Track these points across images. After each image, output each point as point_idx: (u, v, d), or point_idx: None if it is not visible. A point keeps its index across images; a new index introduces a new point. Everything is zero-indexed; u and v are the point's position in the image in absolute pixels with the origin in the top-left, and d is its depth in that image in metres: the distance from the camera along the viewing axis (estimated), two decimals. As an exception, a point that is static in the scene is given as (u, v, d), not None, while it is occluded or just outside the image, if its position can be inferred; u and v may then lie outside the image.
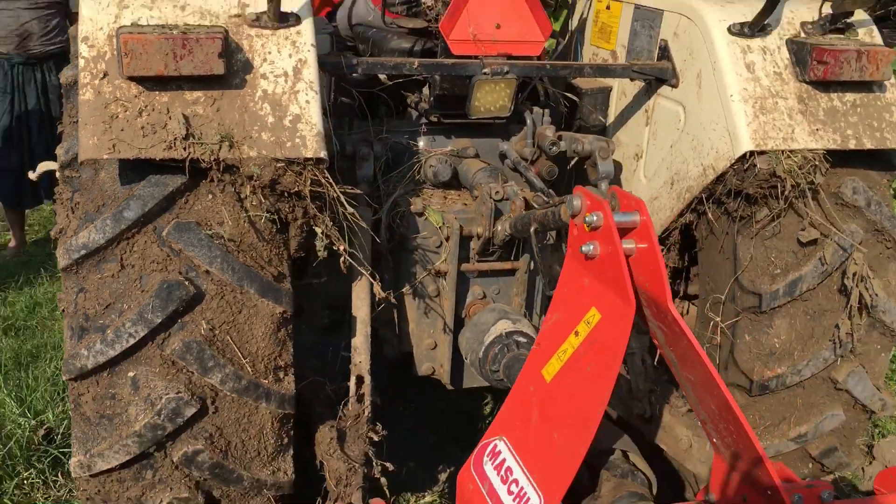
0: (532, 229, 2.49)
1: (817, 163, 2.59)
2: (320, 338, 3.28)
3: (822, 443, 2.88)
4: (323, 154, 2.24)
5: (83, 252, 2.18)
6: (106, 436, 2.25)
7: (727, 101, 2.62)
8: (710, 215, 2.78)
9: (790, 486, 2.26)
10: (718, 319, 2.81)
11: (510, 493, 1.91)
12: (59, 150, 2.29)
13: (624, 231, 1.99)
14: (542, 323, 2.19)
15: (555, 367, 1.99)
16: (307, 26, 2.32)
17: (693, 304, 3.33)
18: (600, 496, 2.19)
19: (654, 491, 2.30)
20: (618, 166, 3.25)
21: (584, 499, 2.22)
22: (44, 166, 3.21)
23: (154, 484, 2.32)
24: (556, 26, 3.93)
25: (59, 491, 3.35)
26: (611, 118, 3.31)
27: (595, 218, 1.97)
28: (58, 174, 2.34)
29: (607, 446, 2.33)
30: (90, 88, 2.15)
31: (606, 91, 3.28)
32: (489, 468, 2.04)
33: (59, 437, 3.60)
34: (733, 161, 2.60)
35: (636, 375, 2.92)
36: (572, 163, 3.25)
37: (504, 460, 2.00)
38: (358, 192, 2.48)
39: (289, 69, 2.27)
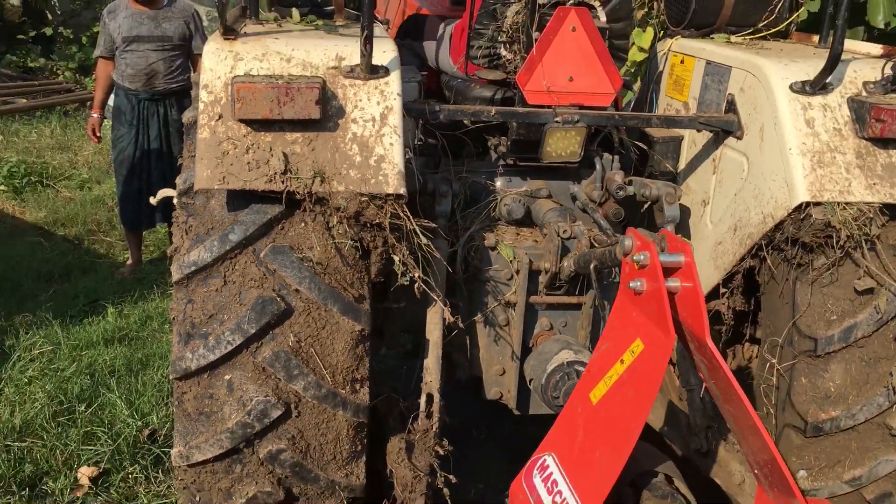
0: (591, 266, 2.69)
1: (872, 215, 2.70)
2: (399, 360, 3.54)
3: (877, 487, 2.93)
4: (402, 191, 2.51)
5: (193, 268, 2.51)
6: (203, 430, 2.55)
7: (786, 153, 2.77)
8: (769, 261, 2.91)
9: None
10: (775, 361, 2.93)
11: (554, 502, 2.10)
12: (178, 180, 2.65)
13: (670, 271, 2.19)
14: (593, 352, 2.38)
15: (601, 391, 2.18)
16: (395, 78, 2.61)
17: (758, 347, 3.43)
18: (640, 513, 2.36)
19: (693, 514, 2.45)
20: (686, 211, 3.41)
21: (626, 515, 2.39)
22: (163, 193, 3.61)
23: (242, 477, 2.60)
24: (636, 78, 4.14)
25: (159, 486, 3.68)
26: (681, 166, 3.48)
27: (642, 257, 2.17)
28: (175, 201, 2.69)
29: (652, 469, 2.49)
30: (207, 128, 2.49)
31: (678, 140, 3.45)
32: (538, 481, 2.23)
33: (162, 437, 3.96)
34: (790, 210, 2.74)
35: (694, 411, 3.05)
36: (644, 207, 3.44)
37: (551, 474, 2.19)
38: (434, 225, 2.73)
39: (377, 115, 2.56)
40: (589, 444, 2.11)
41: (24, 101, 11.67)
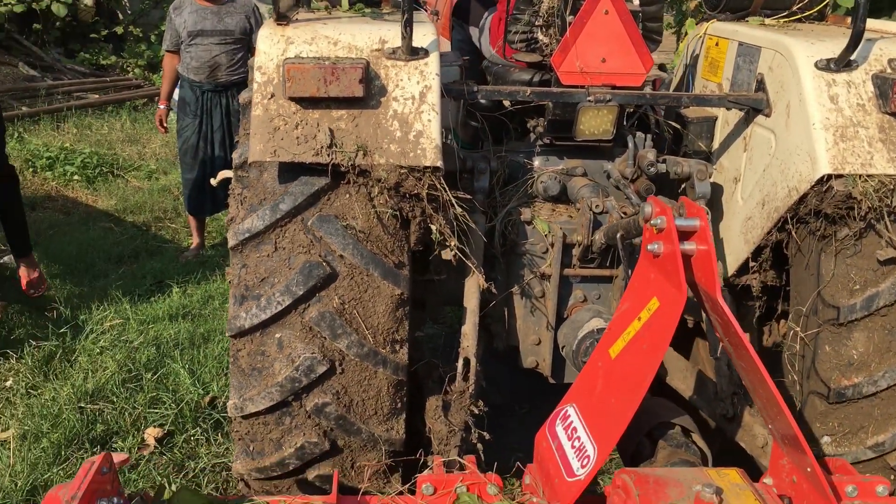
0: (618, 235, 2.84)
1: (894, 187, 2.79)
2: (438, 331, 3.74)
3: (901, 454, 3.01)
4: (439, 164, 2.69)
5: (247, 235, 2.73)
6: (255, 384, 2.78)
7: (810, 128, 2.87)
8: (794, 234, 3.02)
9: (847, 478, 2.49)
10: (799, 330, 3.03)
11: (573, 447, 2.27)
12: (234, 155, 2.88)
13: (686, 234, 2.33)
14: (616, 311, 2.53)
15: (619, 347, 2.34)
16: (433, 59, 2.79)
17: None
18: (656, 461, 2.50)
19: (709, 464, 2.57)
20: (719, 188, 3.52)
21: (643, 463, 2.53)
22: (223, 174, 3.86)
23: (291, 429, 2.82)
24: (676, 59, 4.25)
25: (218, 448, 3.95)
26: (715, 145, 3.59)
27: (660, 221, 2.31)
28: (232, 174, 2.92)
29: (668, 421, 2.63)
30: (260, 106, 2.71)
31: (711, 120, 3.57)
32: (560, 429, 2.40)
33: (222, 404, 4.23)
34: (813, 183, 2.84)
35: (721, 378, 3.17)
36: (683, 185, 3.56)
37: (572, 422, 2.36)
38: (469, 197, 2.90)
39: (416, 94, 2.75)
40: (606, 394, 2.27)
41: (97, 96, 12.21)
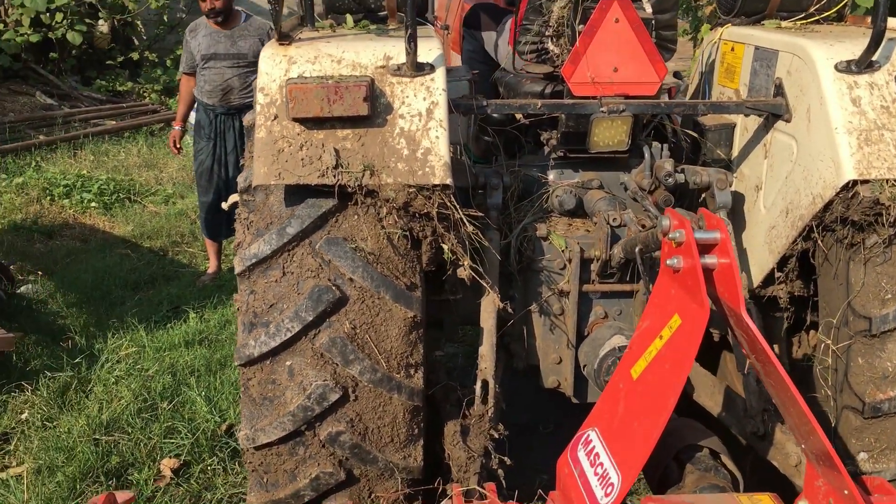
0: (637, 249, 2.74)
1: (923, 191, 2.67)
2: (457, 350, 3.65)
3: (943, 469, 2.88)
4: (449, 181, 2.61)
5: (254, 260, 2.66)
6: (267, 414, 2.70)
7: (832, 133, 2.77)
8: (820, 242, 2.90)
9: (886, 499, 2.37)
10: (829, 342, 2.91)
11: (596, 474, 2.17)
12: (239, 179, 2.82)
13: (706, 247, 2.23)
14: (636, 329, 2.43)
15: (641, 367, 2.24)
16: (440, 74, 2.72)
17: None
18: (684, 486, 2.39)
19: (741, 488, 2.46)
20: (740, 197, 3.42)
21: (671, 488, 2.42)
22: (234, 198, 3.81)
23: (305, 459, 2.74)
24: (692, 66, 4.15)
25: (236, 477, 3.88)
26: (734, 153, 3.49)
27: (678, 234, 2.22)
28: (238, 198, 2.86)
29: (697, 445, 2.52)
30: (264, 128, 2.65)
31: (730, 127, 3.47)
32: (582, 455, 2.30)
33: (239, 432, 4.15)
34: (838, 189, 2.74)
35: (750, 395, 3.05)
36: (702, 195, 3.45)
37: (594, 447, 2.25)
38: (480, 215, 2.82)
39: (423, 110, 2.67)
40: (628, 417, 2.17)
41: (114, 122, 12.27)
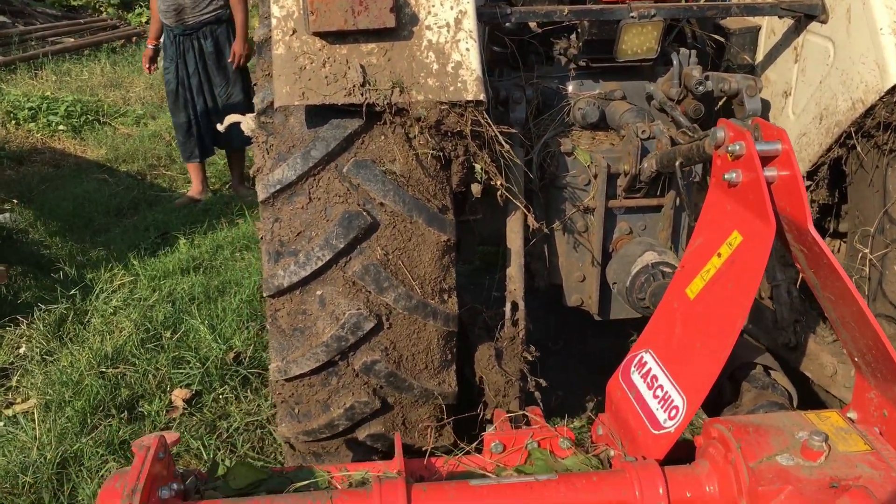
0: (677, 163, 2.63)
1: (971, 93, 2.59)
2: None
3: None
4: (482, 97, 2.46)
5: (278, 187, 2.51)
6: (298, 345, 2.60)
7: (877, 34, 2.65)
8: (859, 149, 2.82)
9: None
10: (867, 251, 2.86)
11: (655, 397, 2.12)
12: (255, 100, 2.64)
13: (766, 160, 2.13)
14: (686, 249, 2.35)
15: (698, 286, 2.16)
16: (467, -19, 2.54)
17: (843, 241, 3.36)
18: (741, 405, 2.36)
19: (795, 404, 2.44)
20: (766, 104, 3.31)
21: (727, 408, 2.40)
22: (230, 119, 3.62)
23: (338, 389, 2.66)
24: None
25: (249, 405, 3.81)
26: (759, 57, 3.36)
27: (738, 147, 2.11)
28: (252, 121, 2.69)
29: (750, 362, 2.48)
30: (282, 44, 2.46)
31: (755, 30, 3.33)
32: (636, 377, 2.24)
33: (247, 359, 4.07)
34: (882, 94, 2.64)
35: (781, 306, 3.01)
36: (720, 102, 3.34)
37: (650, 370, 2.20)
38: (514, 131, 2.68)
39: (451, 20, 2.50)
40: (688, 338, 2.10)
41: (72, 40, 11.75)
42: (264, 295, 2.60)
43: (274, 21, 2.48)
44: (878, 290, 2.88)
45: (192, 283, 4.86)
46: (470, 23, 2.51)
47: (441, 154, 2.56)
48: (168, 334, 4.25)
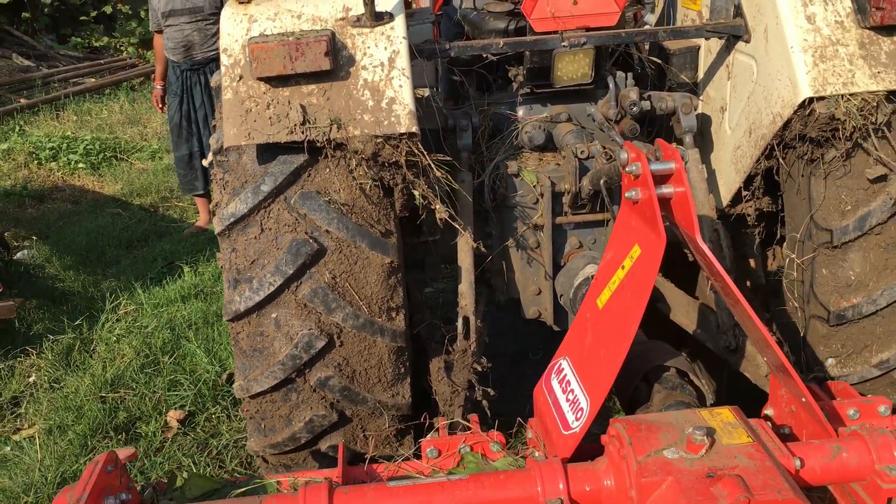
0: (602, 182, 2.82)
1: (877, 103, 2.73)
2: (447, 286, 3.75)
3: (907, 369, 3.01)
4: (414, 129, 2.67)
5: (232, 219, 2.74)
6: (258, 364, 2.82)
7: (788, 52, 2.81)
8: (781, 160, 2.98)
9: (847, 401, 2.50)
10: (794, 256, 3.01)
11: (567, 400, 2.30)
12: (211, 140, 2.87)
13: (663, 178, 2.31)
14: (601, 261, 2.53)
15: (605, 296, 2.34)
16: (399, 22, 2.75)
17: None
18: (651, 405, 2.52)
19: (709, 403, 2.60)
20: (707, 119, 3.48)
21: (640, 407, 2.56)
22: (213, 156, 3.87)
23: (298, 404, 2.87)
24: None
25: (239, 423, 4.04)
26: (700, 75, 3.54)
27: (635, 167, 2.29)
28: (212, 159, 2.92)
29: (664, 366, 2.65)
30: (230, 89, 2.70)
31: (694, 50, 3.50)
32: (555, 383, 2.42)
33: (239, 380, 4.30)
34: (795, 108, 2.80)
35: (721, 311, 3.16)
36: (662, 120, 3.51)
37: (566, 375, 2.38)
38: (449, 158, 2.88)
39: (385, 60, 2.72)
40: (595, 344, 2.28)
41: (93, 80, 12.20)
42: (225, 319, 2.82)
43: (223, 69, 2.72)
44: (809, 292, 3.03)
45: (192, 309, 5.12)
46: (403, 61, 2.72)
47: (381, 183, 2.77)
48: (166, 359, 4.51)
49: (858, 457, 2.15)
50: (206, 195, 6.92)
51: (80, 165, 8.78)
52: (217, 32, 6.35)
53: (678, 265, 3.29)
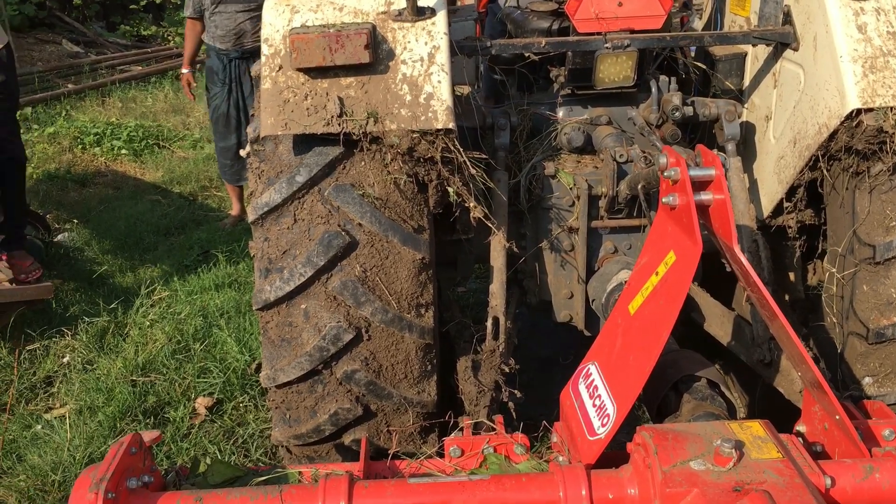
0: (640, 186, 2.78)
1: (927, 117, 2.66)
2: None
3: (946, 392, 2.92)
4: (451, 125, 2.65)
5: (266, 209, 2.75)
6: (285, 354, 2.82)
7: (837, 61, 2.75)
8: (825, 172, 2.91)
9: (884, 421, 2.43)
10: (834, 271, 2.94)
11: (594, 405, 2.26)
12: (248, 129, 2.89)
13: (702, 184, 2.27)
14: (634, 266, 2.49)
15: (637, 302, 2.30)
16: (441, 18, 2.73)
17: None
18: (680, 415, 2.48)
19: (738, 416, 2.54)
20: (751, 128, 3.41)
21: (668, 417, 2.52)
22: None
23: (323, 396, 2.87)
24: None
25: (266, 413, 4.05)
26: (745, 83, 3.47)
27: (674, 172, 2.25)
28: (249, 148, 2.94)
29: (695, 375, 2.60)
30: (269, 79, 2.70)
31: (741, 57, 3.44)
32: (582, 388, 2.39)
33: (267, 370, 4.32)
34: (843, 119, 2.73)
35: (757, 324, 3.10)
36: (705, 127, 3.46)
37: (593, 380, 2.34)
38: (484, 157, 2.86)
39: (424, 55, 2.70)
40: (625, 350, 2.24)
41: (140, 68, 12.38)
42: (254, 308, 2.83)
43: (263, 59, 2.73)
44: (849, 308, 2.96)
45: (225, 298, 5.16)
46: (443, 57, 2.70)
47: (415, 179, 2.76)
48: (197, 346, 4.54)
49: (892, 478, 2.08)
50: (240, 187, 6.96)
51: (123, 152, 8.89)
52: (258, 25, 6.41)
53: (714, 275, 3.24)
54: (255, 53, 6.36)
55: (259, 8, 6.28)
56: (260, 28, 6.53)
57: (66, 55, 12.54)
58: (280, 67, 2.71)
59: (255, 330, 4.72)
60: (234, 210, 6.98)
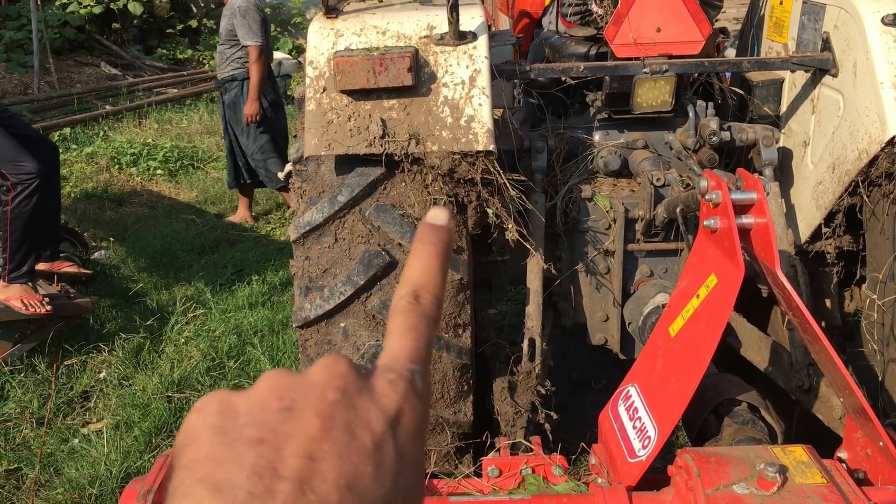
0: (678, 210, 2.79)
1: (969, 145, 2.65)
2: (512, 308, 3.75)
3: None
4: (491, 147, 2.69)
5: (308, 228, 2.79)
6: (324, 373, 2.84)
7: (878, 88, 2.76)
8: (865, 198, 2.91)
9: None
10: (874, 297, 2.92)
11: (634, 427, 2.26)
12: (291, 150, 2.94)
13: (744, 208, 2.28)
14: (675, 288, 2.49)
15: (678, 325, 2.31)
16: (482, 42, 2.78)
17: (868, 287, 3.40)
18: (721, 438, 2.46)
19: (779, 440, 2.52)
20: (788, 153, 3.41)
21: (709, 440, 2.51)
22: (289, 167, 3.95)
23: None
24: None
25: (299, 432, 4.07)
26: (783, 108, 3.48)
27: (715, 196, 2.26)
28: (291, 168, 2.99)
29: (735, 399, 2.59)
30: (313, 101, 2.76)
31: (778, 83, 3.45)
32: (622, 410, 2.39)
33: (300, 389, 4.35)
34: (883, 145, 2.73)
35: (796, 349, 3.08)
36: (742, 152, 3.46)
37: (633, 402, 2.34)
38: (524, 178, 2.89)
39: (466, 78, 2.75)
40: (665, 373, 2.25)
41: (175, 90, 12.58)
42: (294, 326, 2.86)
43: (308, 80, 2.79)
44: (889, 335, 2.93)
45: (258, 316, 5.21)
46: (484, 80, 2.75)
47: (455, 200, 2.79)
48: (231, 363, 4.59)
49: (938, 507, 2.06)
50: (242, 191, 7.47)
51: (159, 172, 9.02)
52: (230, 56, 6.94)
53: (749, 300, 3.23)
54: (221, 83, 7.07)
55: (223, 43, 7.02)
56: (223, 63, 7.23)
57: (104, 77, 12.79)
58: (324, 89, 2.76)
59: (289, 349, 4.76)
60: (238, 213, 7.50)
